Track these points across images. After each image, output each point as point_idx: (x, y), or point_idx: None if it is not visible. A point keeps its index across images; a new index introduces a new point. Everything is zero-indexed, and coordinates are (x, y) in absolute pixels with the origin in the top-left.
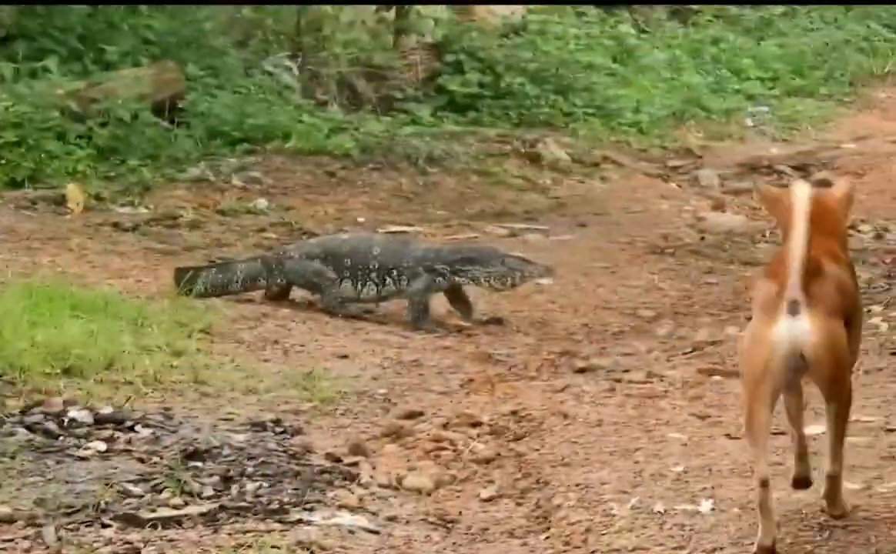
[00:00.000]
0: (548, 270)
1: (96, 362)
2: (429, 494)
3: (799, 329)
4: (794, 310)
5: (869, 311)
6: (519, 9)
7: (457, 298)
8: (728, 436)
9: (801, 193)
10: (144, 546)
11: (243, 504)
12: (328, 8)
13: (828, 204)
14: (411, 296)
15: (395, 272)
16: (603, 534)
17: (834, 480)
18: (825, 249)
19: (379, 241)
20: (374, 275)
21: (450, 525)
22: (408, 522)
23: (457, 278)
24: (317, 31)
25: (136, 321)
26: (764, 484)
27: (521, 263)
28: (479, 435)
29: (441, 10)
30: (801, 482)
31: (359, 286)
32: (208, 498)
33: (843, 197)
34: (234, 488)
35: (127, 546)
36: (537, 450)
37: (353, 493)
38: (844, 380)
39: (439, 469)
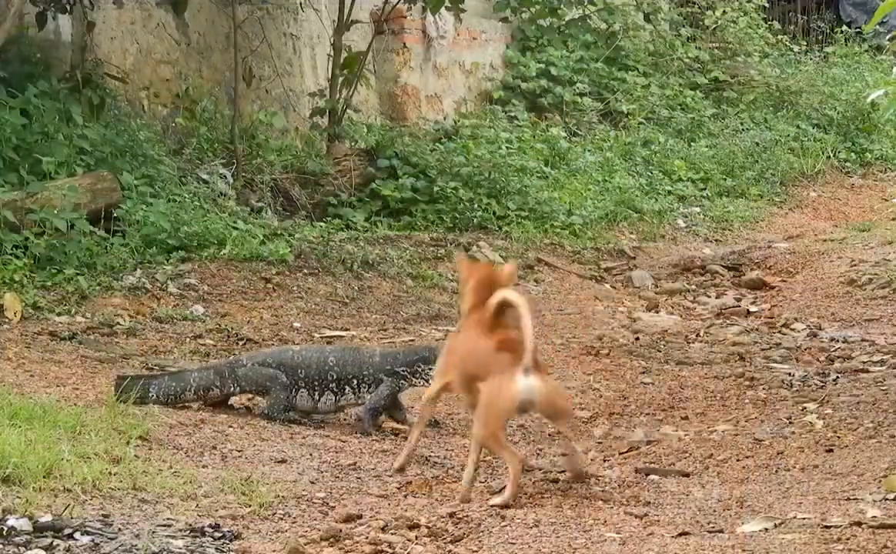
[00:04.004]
0: None
1: (35, 471)
2: None
3: (531, 384)
4: (527, 372)
5: (804, 408)
6: (451, 114)
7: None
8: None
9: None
10: None
11: None
12: (261, 115)
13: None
14: (374, 399)
15: (354, 381)
16: None
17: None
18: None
19: (334, 351)
20: (333, 385)
21: None
22: None
23: (415, 380)
24: (251, 138)
25: (75, 429)
26: (525, 467)
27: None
28: (417, 538)
29: (374, 117)
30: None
31: (316, 396)
32: None
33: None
34: None
35: None
36: (475, 551)
37: None
38: (565, 414)
39: None
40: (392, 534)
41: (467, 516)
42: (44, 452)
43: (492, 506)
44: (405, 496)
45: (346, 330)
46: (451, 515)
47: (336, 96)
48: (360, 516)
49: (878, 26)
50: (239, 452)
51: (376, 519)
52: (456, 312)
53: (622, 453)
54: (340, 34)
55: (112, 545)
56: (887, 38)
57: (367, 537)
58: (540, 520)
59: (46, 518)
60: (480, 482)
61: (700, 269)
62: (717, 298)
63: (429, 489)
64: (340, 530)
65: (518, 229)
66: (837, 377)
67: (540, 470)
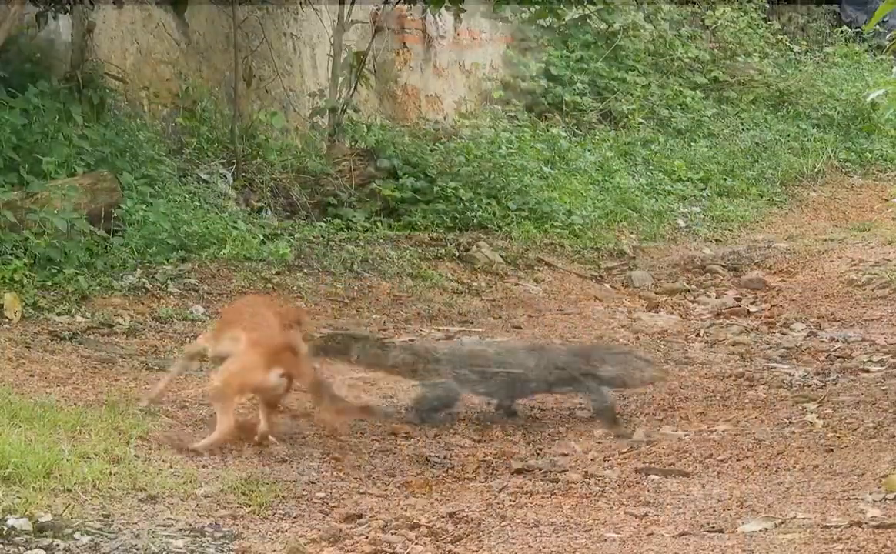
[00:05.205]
0: (664, 374)
1: (35, 470)
2: None
3: (277, 383)
4: (282, 377)
5: (804, 408)
6: (451, 114)
7: None
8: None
9: None
10: None
11: None
12: (261, 115)
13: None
14: (599, 409)
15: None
16: None
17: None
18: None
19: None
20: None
21: None
22: None
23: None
24: (251, 138)
25: (75, 429)
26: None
27: (643, 363)
28: (417, 538)
29: (374, 117)
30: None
31: None
32: None
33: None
34: None
35: None
36: (475, 551)
37: None
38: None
39: None
40: (392, 534)
41: (467, 516)
42: (44, 452)
43: (192, 450)
44: (405, 496)
45: (346, 330)
46: (451, 514)
47: (336, 96)
48: (360, 516)
49: (878, 26)
50: (239, 452)
51: (376, 519)
52: (455, 312)
53: (622, 453)
54: (340, 34)
55: (112, 545)
56: (887, 38)
57: (367, 537)
58: (540, 520)
59: (46, 518)
60: (480, 482)
61: (700, 269)
62: (717, 297)
63: (429, 489)
64: (340, 530)
65: (518, 229)
66: (837, 377)
67: (540, 470)
